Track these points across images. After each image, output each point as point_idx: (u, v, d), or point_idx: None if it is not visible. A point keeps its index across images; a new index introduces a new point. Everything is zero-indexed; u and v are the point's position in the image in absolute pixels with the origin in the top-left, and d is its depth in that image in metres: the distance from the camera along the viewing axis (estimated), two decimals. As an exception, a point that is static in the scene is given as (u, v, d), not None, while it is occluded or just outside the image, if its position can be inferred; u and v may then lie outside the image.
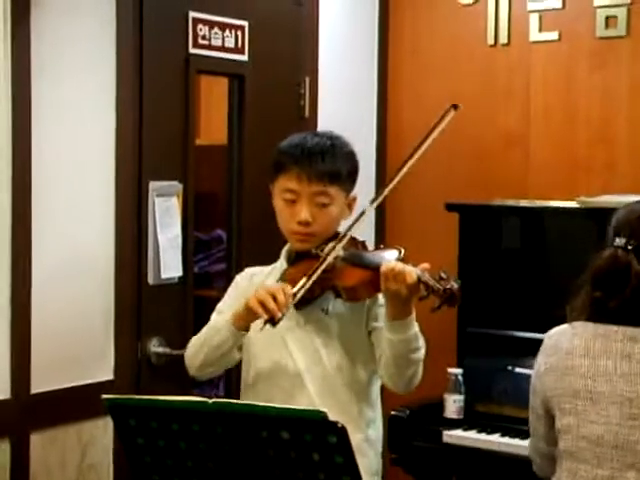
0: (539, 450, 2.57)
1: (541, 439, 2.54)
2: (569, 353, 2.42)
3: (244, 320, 2.65)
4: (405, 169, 2.71)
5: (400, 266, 2.51)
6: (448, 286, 2.49)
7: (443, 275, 2.52)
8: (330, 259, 2.64)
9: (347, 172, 2.77)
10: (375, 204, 2.78)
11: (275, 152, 2.79)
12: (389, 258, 2.59)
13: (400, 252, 2.63)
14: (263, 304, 2.54)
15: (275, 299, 2.54)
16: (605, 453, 2.34)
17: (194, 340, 2.80)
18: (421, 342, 2.64)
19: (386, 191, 2.76)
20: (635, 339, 2.37)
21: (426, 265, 2.54)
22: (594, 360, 2.39)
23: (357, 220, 2.71)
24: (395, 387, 2.70)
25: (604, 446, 2.35)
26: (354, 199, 2.82)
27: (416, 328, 2.60)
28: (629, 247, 2.39)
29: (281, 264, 2.81)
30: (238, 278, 2.92)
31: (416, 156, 2.70)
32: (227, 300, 2.87)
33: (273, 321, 2.54)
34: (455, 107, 2.70)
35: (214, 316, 2.84)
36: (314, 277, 2.61)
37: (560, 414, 2.42)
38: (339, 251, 2.67)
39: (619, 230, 2.45)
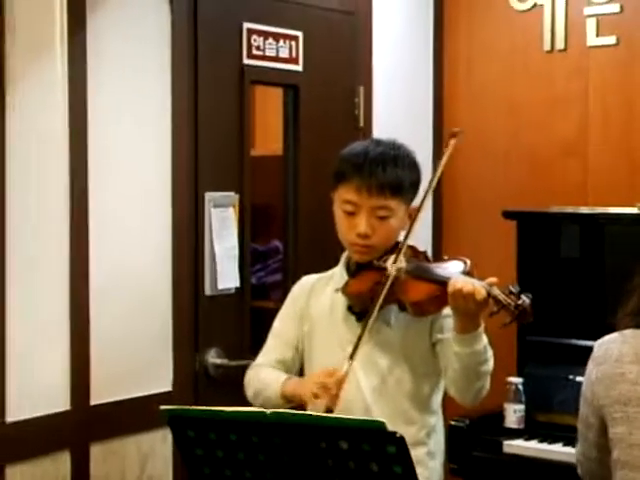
0: (588, 456, 2.52)
1: (591, 446, 2.49)
2: (618, 360, 2.39)
3: (295, 401, 2.67)
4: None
5: (469, 286, 2.44)
6: (520, 302, 2.43)
7: (513, 289, 2.46)
8: (389, 284, 2.58)
9: (409, 183, 2.70)
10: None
11: (337, 160, 2.74)
12: (455, 271, 2.53)
13: (466, 264, 2.57)
14: (317, 397, 2.54)
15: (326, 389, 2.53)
16: None
17: (249, 375, 2.84)
18: (489, 354, 2.58)
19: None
20: None
21: (493, 279, 2.48)
22: None
23: (411, 227, 2.67)
24: (463, 400, 2.65)
25: None
26: (415, 210, 2.73)
27: (485, 340, 2.55)
28: None
29: (341, 273, 2.77)
30: (295, 290, 2.87)
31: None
32: (284, 317, 2.84)
33: (330, 410, 2.51)
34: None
35: (269, 339, 2.84)
36: (370, 322, 2.57)
37: (612, 423, 2.38)
38: (402, 264, 2.61)
39: None
